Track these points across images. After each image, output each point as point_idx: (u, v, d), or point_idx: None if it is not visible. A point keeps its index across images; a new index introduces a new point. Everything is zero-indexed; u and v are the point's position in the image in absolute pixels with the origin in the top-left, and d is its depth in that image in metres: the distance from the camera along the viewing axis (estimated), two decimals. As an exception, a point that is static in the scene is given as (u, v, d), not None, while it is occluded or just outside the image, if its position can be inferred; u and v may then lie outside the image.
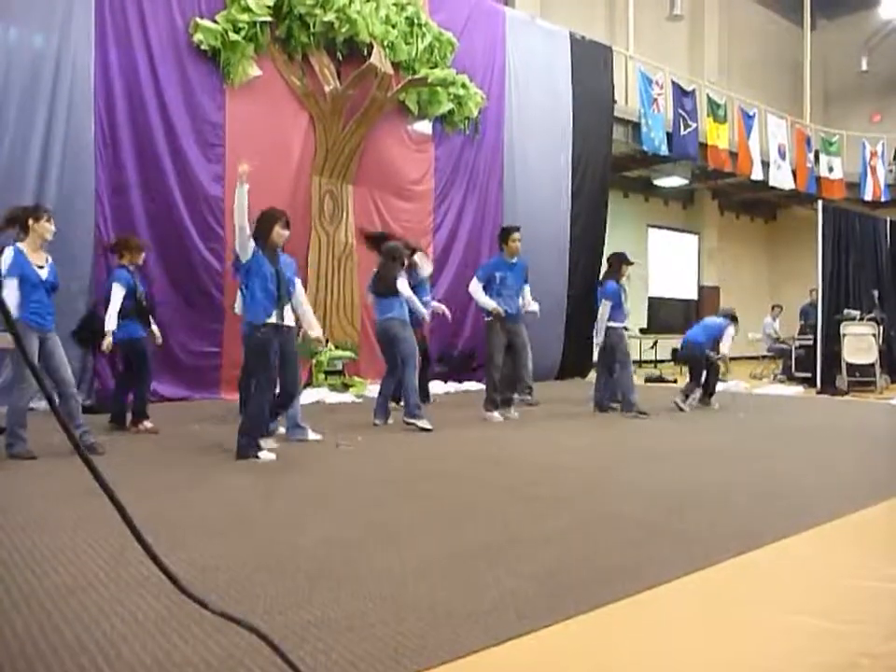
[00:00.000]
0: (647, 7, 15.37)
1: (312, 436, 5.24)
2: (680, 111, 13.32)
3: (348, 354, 8.60)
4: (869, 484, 4.09)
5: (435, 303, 7.52)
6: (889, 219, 11.94)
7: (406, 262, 6.46)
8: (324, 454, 4.71)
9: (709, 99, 14.17)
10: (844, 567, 2.70)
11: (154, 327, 5.84)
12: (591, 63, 11.31)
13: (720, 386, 9.40)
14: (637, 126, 12.77)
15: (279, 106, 8.25)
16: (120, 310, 5.48)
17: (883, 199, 17.03)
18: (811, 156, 16.58)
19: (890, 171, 17.32)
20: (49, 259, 4.71)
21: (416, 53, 9.10)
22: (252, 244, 4.62)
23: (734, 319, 7.67)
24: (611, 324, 7.06)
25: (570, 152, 10.96)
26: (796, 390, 9.94)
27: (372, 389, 7.95)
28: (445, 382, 9.40)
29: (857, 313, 10.03)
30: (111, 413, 5.86)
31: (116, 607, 2.18)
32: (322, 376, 8.38)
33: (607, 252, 10.20)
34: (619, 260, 7.23)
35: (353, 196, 9.02)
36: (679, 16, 15.72)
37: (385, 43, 8.81)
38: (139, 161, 7.33)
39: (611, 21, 15.54)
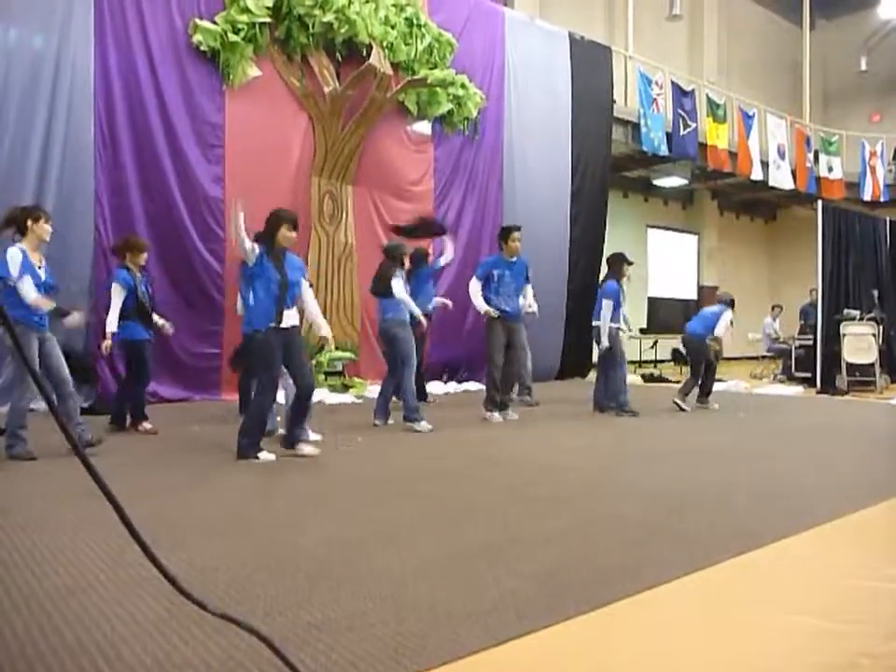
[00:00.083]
0: (646, 7, 15.38)
1: (312, 436, 5.23)
2: (680, 111, 13.33)
3: (348, 355, 8.60)
4: (869, 484, 4.09)
5: (437, 299, 7.55)
6: (888, 219, 11.95)
7: (406, 262, 6.44)
8: (324, 454, 4.71)
9: (709, 99, 14.17)
10: (844, 567, 2.70)
11: (158, 319, 5.82)
12: (590, 64, 11.31)
13: (720, 386, 9.40)
14: (636, 126, 12.77)
15: (279, 107, 8.26)
16: (121, 310, 5.50)
17: (882, 199, 17.03)
18: (811, 156, 16.59)
19: (890, 171, 17.32)
20: (44, 261, 4.72)
21: (415, 54, 9.10)
22: (256, 250, 4.58)
23: (729, 304, 7.66)
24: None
25: (570, 152, 10.96)
26: (796, 390, 9.94)
27: (372, 390, 7.96)
28: (445, 382, 9.41)
29: (857, 313, 10.04)
30: (112, 414, 5.86)
31: (116, 608, 2.19)
32: (322, 377, 8.38)
33: (606, 252, 10.23)
34: (619, 261, 7.22)
35: (352, 197, 9.02)
36: (679, 16, 15.73)
37: (385, 44, 8.82)
38: (139, 162, 7.33)
39: (611, 22, 15.54)
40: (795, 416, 7.46)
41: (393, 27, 8.87)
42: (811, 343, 10.52)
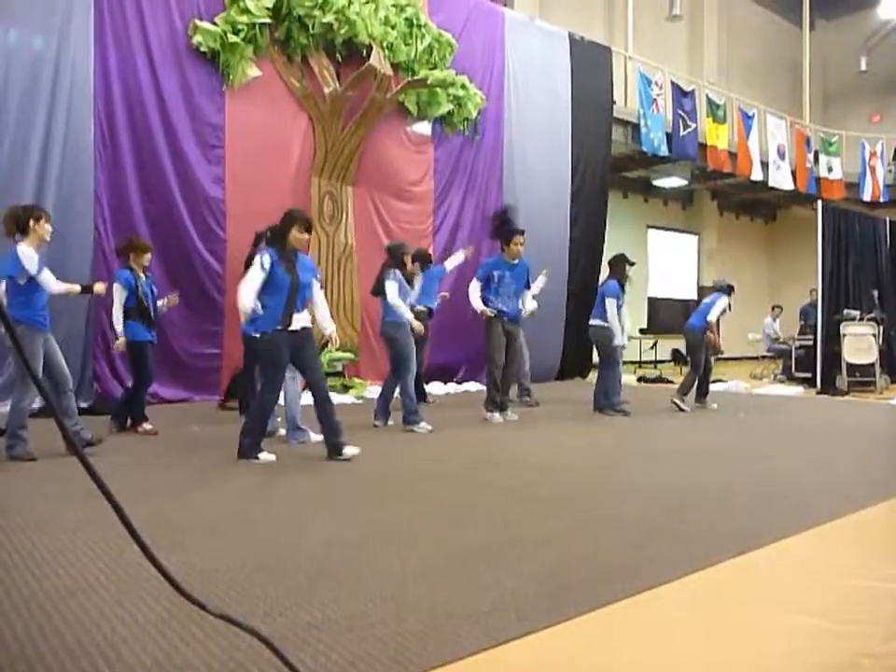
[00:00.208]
0: (646, 7, 15.38)
1: (314, 437, 5.22)
2: (680, 111, 13.33)
3: (348, 355, 8.60)
4: (869, 484, 4.09)
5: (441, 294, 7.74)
6: (888, 219, 11.95)
7: (408, 262, 6.42)
8: (324, 455, 4.71)
9: (709, 99, 14.18)
10: (844, 567, 2.70)
11: (160, 302, 5.83)
12: (590, 64, 11.31)
13: (720, 386, 9.41)
14: (636, 127, 12.78)
15: (279, 108, 8.26)
16: (123, 311, 5.51)
17: (882, 199, 17.04)
18: (810, 156, 16.59)
19: (890, 171, 17.32)
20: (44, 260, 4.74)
21: (415, 54, 9.11)
22: (265, 265, 4.47)
23: (725, 291, 7.63)
24: (599, 322, 7.11)
25: (570, 153, 10.96)
26: (796, 390, 9.94)
27: (372, 391, 7.96)
28: (445, 383, 9.41)
29: (857, 313, 10.04)
30: (112, 413, 5.85)
31: (116, 609, 2.18)
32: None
33: (606, 252, 10.24)
34: (621, 262, 7.21)
35: (352, 197, 9.02)
36: (679, 16, 15.73)
37: (385, 44, 8.82)
38: (138, 163, 7.33)
39: (610, 22, 15.54)
40: (795, 416, 7.46)
41: (393, 28, 8.87)
42: (811, 343, 10.52)
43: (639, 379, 11.31)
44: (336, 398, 7.91)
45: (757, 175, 15.05)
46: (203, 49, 7.56)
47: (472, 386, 9.43)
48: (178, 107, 7.50)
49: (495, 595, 2.32)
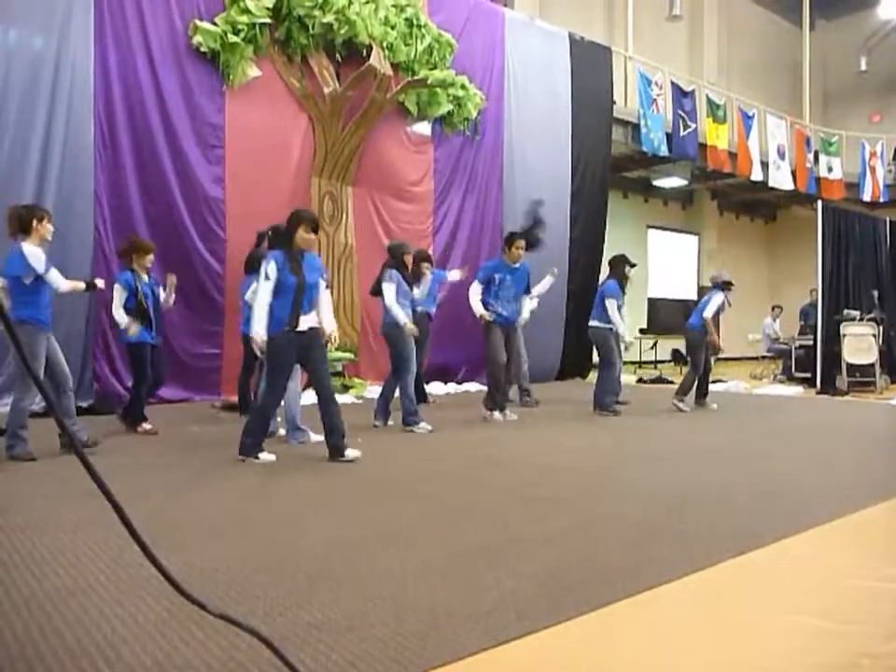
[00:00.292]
0: (646, 7, 15.38)
1: (314, 437, 5.22)
2: (680, 112, 13.33)
3: (348, 355, 8.60)
4: (869, 484, 4.09)
5: (454, 272, 7.89)
6: (888, 219, 11.95)
7: (408, 262, 6.42)
8: (324, 455, 4.70)
9: (709, 99, 14.18)
10: (844, 568, 2.70)
11: (163, 293, 5.83)
12: (590, 64, 11.31)
13: (720, 387, 9.41)
14: (636, 127, 12.78)
15: (279, 108, 8.26)
16: (124, 311, 5.52)
17: (882, 199, 17.03)
18: (810, 156, 16.59)
19: (889, 171, 17.32)
20: None
21: (415, 54, 9.10)
22: (271, 275, 4.44)
23: (718, 286, 7.62)
24: (597, 323, 7.13)
25: (570, 153, 10.96)
26: (796, 390, 9.93)
27: (372, 390, 7.96)
28: (445, 383, 9.40)
29: (857, 313, 10.03)
30: (121, 414, 5.83)
31: (116, 609, 2.18)
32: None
33: (606, 252, 10.24)
34: (622, 263, 7.24)
35: (352, 197, 9.02)
36: (679, 16, 15.73)
37: (385, 44, 8.81)
38: (139, 163, 7.32)
39: (610, 22, 15.54)
40: (795, 417, 7.45)
41: (393, 28, 8.87)
42: (811, 343, 10.51)
43: (639, 380, 11.30)
44: (336, 397, 7.94)
45: (757, 175, 15.05)
46: (203, 49, 7.56)
47: (472, 386, 9.43)
48: (178, 107, 7.50)
49: (495, 595, 2.32)
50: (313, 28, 8.21)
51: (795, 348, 11.25)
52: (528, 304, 6.94)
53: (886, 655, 1.97)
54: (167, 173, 7.45)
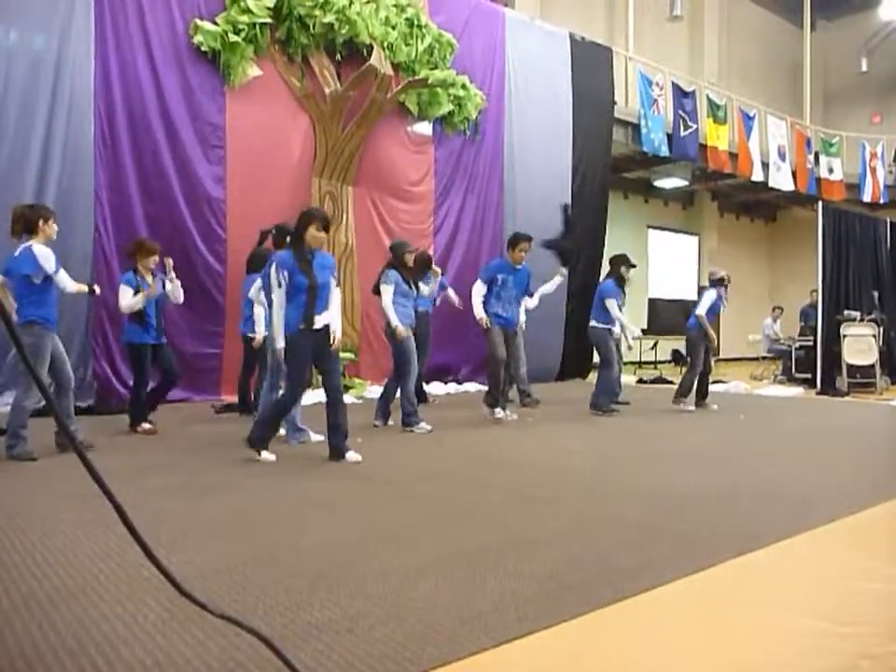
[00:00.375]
0: (647, 7, 15.38)
1: (314, 437, 5.22)
2: (680, 112, 13.33)
3: (348, 355, 8.60)
4: (869, 486, 4.09)
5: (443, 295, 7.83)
6: (888, 220, 11.94)
7: (410, 261, 6.40)
8: (324, 455, 4.70)
9: (709, 100, 14.18)
10: (844, 569, 2.70)
11: (169, 285, 5.82)
12: (591, 64, 11.31)
13: (720, 387, 9.40)
14: (636, 127, 12.77)
15: (279, 108, 8.25)
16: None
17: (882, 200, 17.02)
18: (811, 157, 16.58)
19: (890, 172, 17.31)
20: None
21: (416, 54, 9.10)
22: (282, 283, 4.44)
23: (715, 284, 7.61)
24: (596, 323, 7.15)
25: (570, 153, 10.95)
26: (796, 391, 9.93)
27: (372, 391, 7.96)
28: (445, 383, 9.40)
29: (857, 314, 10.03)
30: (130, 416, 5.82)
31: (116, 609, 2.18)
32: (323, 377, 8.38)
33: (607, 253, 10.23)
34: (620, 263, 7.26)
35: (353, 197, 9.02)
36: (679, 17, 15.72)
37: (385, 44, 8.81)
38: (139, 163, 7.32)
39: (611, 22, 15.54)
40: (795, 417, 7.45)
41: (394, 28, 8.87)
42: (811, 344, 10.51)
43: (639, 381, 11.30)
44: (344, 399, 7.95)
45: (757, 175, 15.05)
46: (203, 48, 7.56)
47: (472, 386, 9.43)
48: (179, 107, 7.49)
49: (495, 595, 2.32)
50: (313, 28, 8.21)
51: (795, 349, 11.24)
52: (524, 308, 6.95)
53: (887, 657, 1.96)
54: (168, 172, 7.45)
